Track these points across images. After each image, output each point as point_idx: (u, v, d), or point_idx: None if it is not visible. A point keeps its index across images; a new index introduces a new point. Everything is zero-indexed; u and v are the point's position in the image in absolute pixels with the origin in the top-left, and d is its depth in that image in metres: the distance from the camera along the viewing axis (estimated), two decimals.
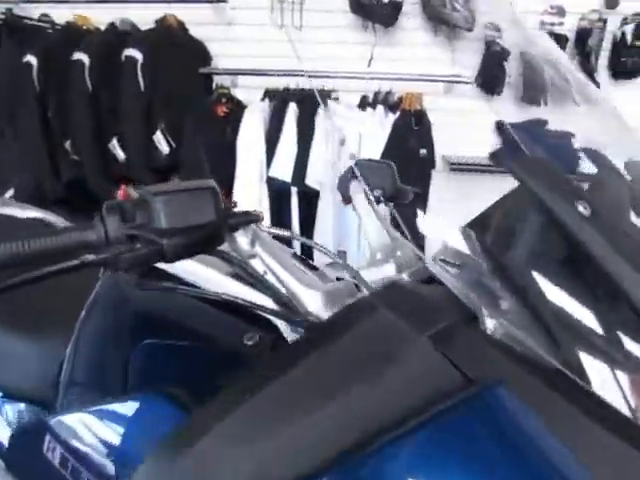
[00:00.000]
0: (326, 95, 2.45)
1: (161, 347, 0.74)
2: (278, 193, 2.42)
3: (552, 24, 2.42)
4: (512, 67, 2.44)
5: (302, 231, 2.48)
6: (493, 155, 0.73)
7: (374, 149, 2.37)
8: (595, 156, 0.90)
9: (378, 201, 0.94)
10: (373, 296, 0.47)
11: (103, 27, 2.62)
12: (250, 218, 0.66)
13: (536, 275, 0.44)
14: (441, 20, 2.34)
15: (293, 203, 2.43)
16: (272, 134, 2.38)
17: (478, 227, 0.54)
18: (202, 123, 2.45)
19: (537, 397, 0.37)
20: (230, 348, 0.75)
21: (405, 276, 0.81)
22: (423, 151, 2.53)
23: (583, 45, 2.43)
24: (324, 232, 2.50)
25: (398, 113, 2.40)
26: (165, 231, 0.59)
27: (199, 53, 2.71)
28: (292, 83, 2.51)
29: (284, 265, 0.68)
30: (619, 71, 2.48)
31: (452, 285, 0.48)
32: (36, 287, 0.56)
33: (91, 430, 0.59)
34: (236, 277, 0.76)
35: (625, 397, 0.43)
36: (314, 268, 0.92)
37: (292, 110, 2.37)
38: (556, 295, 0.44)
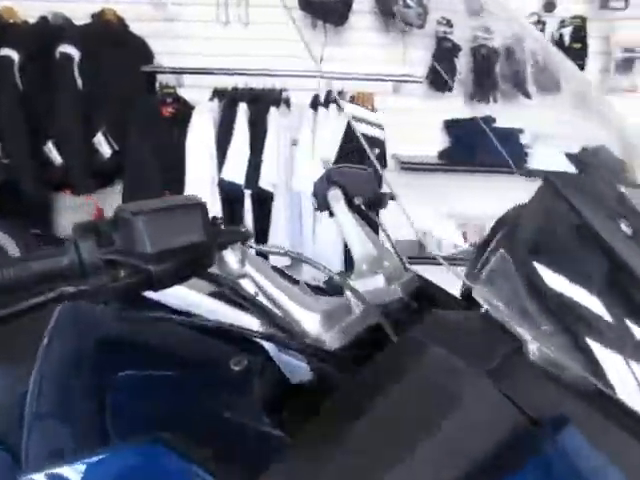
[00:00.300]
0: (277, 94, 2.40)
1: (140, 379, 0.67)
2: (230, 196, 2.34)
3: (484, 38, 2.49)
4: (462, 63, 2.48)
5: (256, 234, 2.41)
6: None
7: (328, 149, 2.34)
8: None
9: (359, 209, 0.90)
10: (418, 332, 0.43)
11: (31, 20, 2.43)
12: (240, 236, 0.60)
13: (576, 293, 0.42)
14: (393, 17, 2.34)
15: (246, 206, 2.36)
16: (222, 135, 2.30)
17: (507, 244, 0.51)
18: (147, 124, 2.33)
19: (599, 433, 0.35)
20: (216, 375, 0.69)
21: (396, 288, 0.78)
22: (376, 150, 2.53)
23: (512, 58, 2.51)
24: (278, 235, 2.45)
25: None
26: (151, 255, 0.53)
27: (140, 51, 2.58)
28: (240, 82, 2.43)
29: (277, 285, 0.63)
30: (542, 86, 2.57)
31: (496, 312, 0.45)
32: None
33: None
34: (218, 296, 0.70)
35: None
36: (295, 282, 0.88)
37: (243, 110, 2.30)
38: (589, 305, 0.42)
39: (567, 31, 2.55)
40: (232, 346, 0.70)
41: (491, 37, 2.43)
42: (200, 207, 0.56)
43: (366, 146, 0.61)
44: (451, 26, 2.41)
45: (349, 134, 2.35)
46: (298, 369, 0.69)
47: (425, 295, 0.80)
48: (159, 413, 0.65)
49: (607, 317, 0.41)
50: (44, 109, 2.26)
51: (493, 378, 0.37)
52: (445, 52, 2.44)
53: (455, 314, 0.48)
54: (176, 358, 0.69)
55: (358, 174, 0.90)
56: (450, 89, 2.55)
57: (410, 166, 2.56)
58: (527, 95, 2.55)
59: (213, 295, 0.70)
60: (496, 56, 2.46)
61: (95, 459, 0.51)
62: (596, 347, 0.40)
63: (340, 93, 2.44)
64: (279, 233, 2.45)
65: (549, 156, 2.47)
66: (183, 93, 2.52)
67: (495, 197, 2.65)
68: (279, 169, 2.35)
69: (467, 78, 2.55)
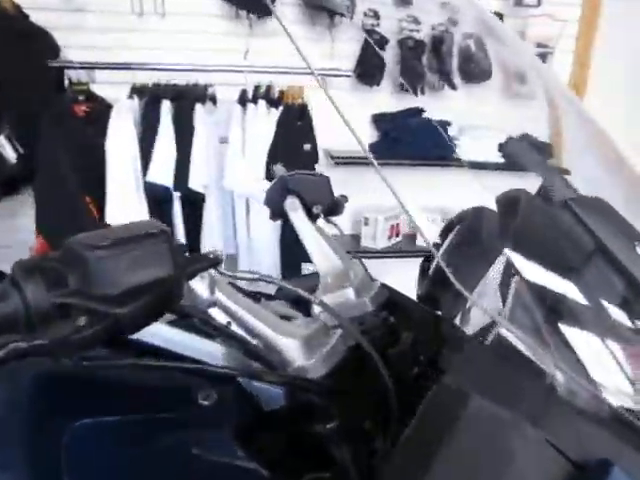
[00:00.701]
0: (202, 90, 2.28)
1: (100, 426, 0.59)
2: (158, 199, 2.20)
3: (411, 30, 2.52)
4: (390, 56, 2.48)
5: (188, 238, 2.29)
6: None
7: (260, 147, 2.26)
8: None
9: (316, 218, 0.85)
10: (452, 378, 0.39)
11: None
12: (209, 263, 0.53)
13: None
14: (320, 8, 2.29)
15: (176, 209, 2.23)
16: (146, 135, 2.15)
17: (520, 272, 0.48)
18: (59, 125, 2.13)
19: None
20: (184, 413, 0.62)
21: (366, 301, 0.74)
22: (307, 146, 2.48)
23: (438, 50, 2.56)
24: (212, 236, 2.34)
25: (281, 108, 2.31)
26: (115, 296, 0.45)
27: (45, 43, 2.34)
28: (161, 78, 2.29)
29: (251, 311, 0.57)
30: (469, 76, 2.65)
31: (525, 346, 0.42)
32: None
33: None
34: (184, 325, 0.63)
35: (622, 368, 0.42)
36: (270, 297, 0.82)
37: (166, 108, 2.16)
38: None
39: (471, 41, 2.63)
40: (201, 378, 0.64)
41: (418, 28, 2.45)
42: (165, 235, 0.49)
43: (357, 137, 0.55)
44: (378, 18, 2.41)
45: (281, 131, 2.29)
46: (271, 396, 0.64)
47: (394, 305, 0.77)
48: (123, 462, 0.57)
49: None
50: None
51: (535, 424, 0.34)
52: (373, 45, 2.44)
53: (481, 348, 0.45)
54: (139, 400, 0.60)
55: (314, 181, 0.85)
56: (378, 83, 2.55)
57: (342, 161, 2.53)
58: (453, 87, 2.61)
59: (177, 324, 0.63)
60: (423, 47, 2.48)
61: None
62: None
63: (269, 88, 2.36)
64: (212, 235, 2.34)
65: (477, 146, 2.55)
66: (97, 90, 2.33)
67: (424, 190, 2.72)
68: (209, 169, 2.24)
69: (395, 70, 2.57)
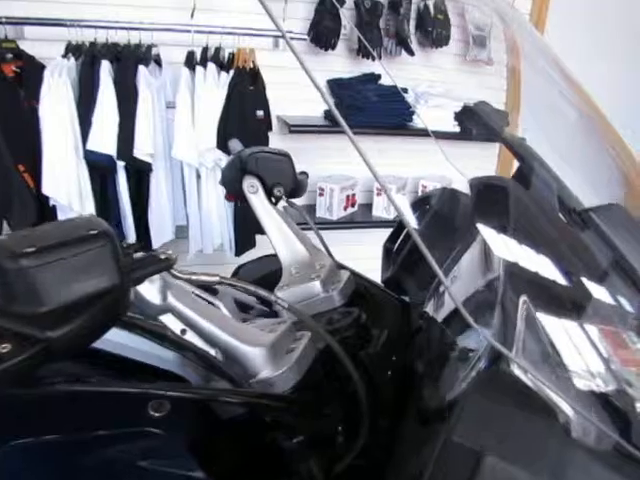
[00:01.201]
0: (146, 51, 2.11)
1: (34, 448, 0.52)
2: (100, 169, 2.05)
3: None
4: (346, 18, 2.37)
5: (134, 211, 2.16)
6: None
7: (210, 113, 2.14)
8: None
9: (277, 200, 0.78)
10: (460, 433, 0.34)
11: None
12: (160, 265, 0.46)
13: None
14: None
15: (121, 180, 2.09)
16: (83, 99, 1.98)
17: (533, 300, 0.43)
18: None
19: None
20: (133, 428, 0.56)
21: (335, 295, 0.69)
22: (260, 112, 2.37)
23: (397, 13, 2.48)
24: (159, 209, 2.22)
25: (232, 72, 2.17)
26: (46, 316, 0.37)
27: None
28: (99, 37, 2.09)
29: (209, 317, 0.51)
30: (427, 40, 2.60)
31: (537, 384, 0.37)
32: None
33: None
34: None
35: (597, 349, 0.40)
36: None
37: (106, 69, 1.99)
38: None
39: (431, 2, 2.56)
40: (147, 383, 0.57)
41: None
42: (108, 237, 0.41)
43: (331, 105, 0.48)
44: None
45: (232, 96, 2.16)
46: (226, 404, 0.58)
47: (362, 298, 0.73)
48: None
49: None
50: None
51: None
52: (328, 6, 2.32)
53: (488, 395, 0.40)
54: (83, 415, 0.53)
55: (276, 160, 0.77)
56: (333, 46, 2.45)
57: (299, 129, 2.44)
58: (411, 52, 2.54)
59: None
60: (380, 9, 2.39)
61: None
62: None
63: (218, 50, 2.22)
64: (161, 208, 2.22)
65: (433, 115, 2.51)
66: (26, 48, 2.11)
67: (380, 157, 2.67)
68: (155, 137, 2.10)
69: (351, 33, 2.47)
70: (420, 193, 2.75)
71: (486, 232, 0.55)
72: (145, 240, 2.25)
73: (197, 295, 0.67)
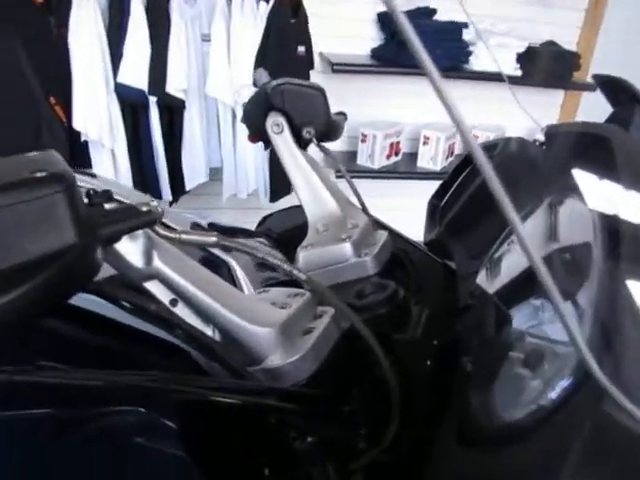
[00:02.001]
0: None
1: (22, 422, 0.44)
2: (132, 104, 1.96)
3: None
4: None
5: (167, 151, 2.07)
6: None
7: (247, 47, 1.98)
8: None
9: (307, 144, 0.66)
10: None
11: None
12: (140, 220, 0.36)
13: None
14: None
15: (153, 116, 1.99)
16: (114, 29, 1.86)
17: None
18: (15, 13, 1.82)
19: None
20: (124, 407, 0.47)
21: (368, 261, 0.57)
22: (301, 48, 2.20)
23: None
24: (193, 150, 2.12)
25: (272, 2, 2.00)
26: None
27: None
28: None
29: (204, 286, 0.40)
30: None
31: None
32: None
33: None
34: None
35: None
36: (250, 234, 0.65)
37: None
38: None
39: None
40: (153, 356, 0.48)
41: None
42: (64, 181, 0.31)
43: None
44: None
45: (271, 29, 1.99)
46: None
47: (400, 266, 0.61)
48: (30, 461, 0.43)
49: None
50: None
51: None
52: None
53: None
54: (68, 395, 0.45)
55: (307, 95, 0.64)
56: None
57: (343, 67, 2.26)
58: None
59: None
60: None
61: None
62: None
63: None
64: (195, 148, 2.12)
65: (493, 54, 2.27)
66: None
67: (427, 102, 2.46)
68: (189, 71, 1.97)
69: None
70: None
71: (584, 183, 0.41)
72: (178, 181, 2.17)
73: (208, 252, 0.57)
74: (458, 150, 2.62)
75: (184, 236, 0.38)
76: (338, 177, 0.70)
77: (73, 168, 0.34)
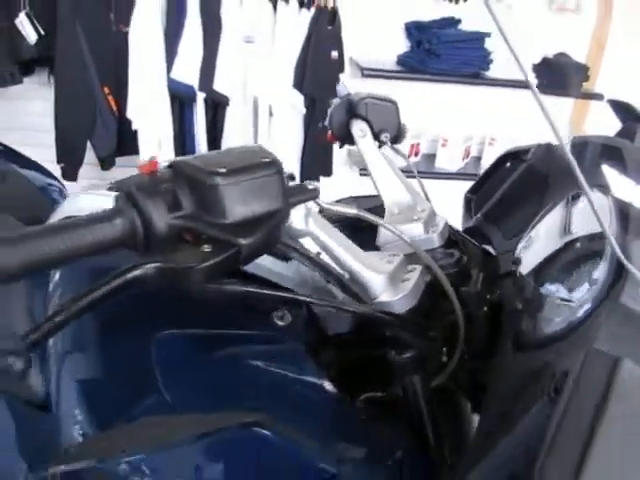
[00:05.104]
0: None
1: (183, 338, 0.62)
2: (181, 99, 2.14)
3: None
4: None
5: (208, 142, 2.25)
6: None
7: (287, 50, 2.16)
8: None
9: (381, 145, 0.84)
10: (605, 344, 0.40)
11: None
12: (310, 195, 0.54)
13: None
14: None
15: (199, 111, 2.17)
16: (171, 28, 2.04)
17: None
18: (80, 5, 2.00)
19: None
20: (260, 331, 0.66)
21: (435, 237, 0.75)
22: (334, 53, 2.37)
23: None
24: (232, 143, 2.30)
25: (313, 10, 2.17)
26: (236, 226, 0.45)
27: None
28: None
29: (341, 244, 0.58)
30: None
31: None
32: None
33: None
34: None
35: None
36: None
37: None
38: None
39: None
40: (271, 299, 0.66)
41: None
42: (277, 166, 0.49)
43: None
44: None
45: (312, 34, 2.17)
46: (337, 321, 0.68)
47: (455, 243, 0.79)
48: (207, 371, 0.61)
49: None
50: None
51: None
52: None
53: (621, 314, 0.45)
54: (220, 315, 0.63)
55: (385, 107, 0.83)
56: None
57: (372, 73, 2.43)
58: None
59: None
60: None
61: (191, 438, 0.48)
62: None
63: None
64: (234, 142, 2.30)
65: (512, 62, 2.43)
66: None
67: (450, 109, 2.63)
68: (234, 71, 2.15)
69: None
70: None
71: (612, 177, 0.58)
72: None
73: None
74: (474, 153, 2.80)
75: (334, 208, 0.56)
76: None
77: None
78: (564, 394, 0.37)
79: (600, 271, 0.49)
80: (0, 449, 0.65)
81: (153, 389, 0.56)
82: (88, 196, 0.70)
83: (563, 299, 0.54)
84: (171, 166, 0.47)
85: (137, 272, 0.43)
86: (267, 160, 0.48)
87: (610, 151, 0.63)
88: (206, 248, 0.45)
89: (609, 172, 0.59)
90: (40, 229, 0.40)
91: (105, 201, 0.45)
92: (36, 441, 0.59)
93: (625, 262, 0.41)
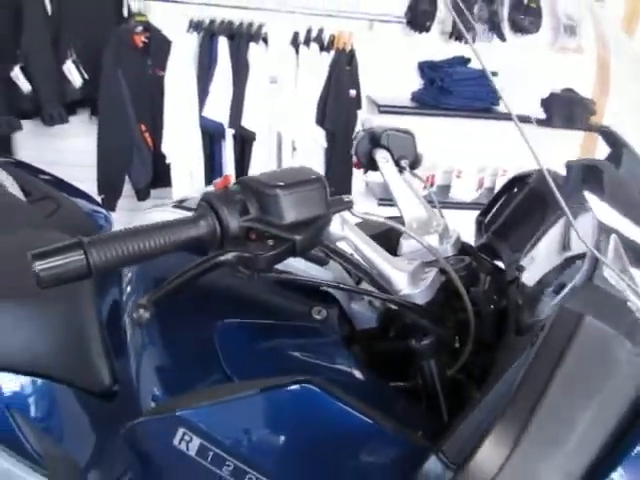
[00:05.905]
0: (257, 30, 2.33)
1: (241, 326, 0.74)
2: (212, 135, 2.31)
3: None
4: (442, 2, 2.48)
5: (236, 175, 2.41)
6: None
7: (311, 90, 2.34)
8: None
9: (401, 171, 0.97)
10: (573, 304, 0.51)
11: None
12: (346, 205, 0.67)
13: None
14: None
15: (228, 146, 2.34)
16: (202, 71, 2.23)
17: None
18: (121, 53, 2.21)
19: None
20: (302, 323, 0.77)
21: (449, 247, 0.87)
22: (352, 92, 2.54)
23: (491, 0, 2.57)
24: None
25: (333, 52, 2.36)
26: (291, 226, 0.58)
27: None
28: (217, 15, 2.32)
29: (371, 247, 0.71)
30: (517, 27, 2.66)
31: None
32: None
33: (232, 421, 0.60)
34: None
35: None
36: None
37: (224, 45, 2.22)
38: None
39: None
40: (311, 299, 0.79)
41: None
42: (322, 181, 0.62)
43: None
44: None
45: (332, 75, 2.35)
46: (365, 317, 0.80)
47: (467, 254, 0.91)
48: (260, 353, 0.73)
49: None
50: (9, 32, 2.09)
51: (632, 341, 0.47)
52: None
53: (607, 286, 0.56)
54: (270, 309, 0.76)
55: (404, 138, 0.97)
56: (428, 29, 2.57)
57: (388, 109, 2.59)
58: (502, 37, 2.62)
59: None
60: None
61: (245, 394, 0.59)
62: None
63: (321, 31, 2.40)
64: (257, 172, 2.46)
65: (520, 99, 2.58)
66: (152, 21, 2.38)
67: (466, 140, 2.74)
68: (260, 109, 2.33)
69: (446, 17, 2.57)
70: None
71: (591, 200, 0.70)
72: None
73: None
74: (487, 184, 2.92)
75: (366, 216, 0.69)
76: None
77: None
78: (535, 345, 0.48)
79: (582, 268, 0.61)
80: (70, 435, 0.77)
81: (217, 369, 0.68)
82: (157, 212, 0.85)
83: (554, 291, 0.65)
84: (238, 182, 0.60)
85: (222, 257, 0.56)
86: (314, 177, 0.62)
87: (593, 173, 0.75)
88: (270, 242, 0.58)
89: (589, 195, 0.71)
90: (140, 229, 0.53)
91: (170, 216, 0.59)
92: (101, 426, 0.71)
93: (595, 252, 0.53)
